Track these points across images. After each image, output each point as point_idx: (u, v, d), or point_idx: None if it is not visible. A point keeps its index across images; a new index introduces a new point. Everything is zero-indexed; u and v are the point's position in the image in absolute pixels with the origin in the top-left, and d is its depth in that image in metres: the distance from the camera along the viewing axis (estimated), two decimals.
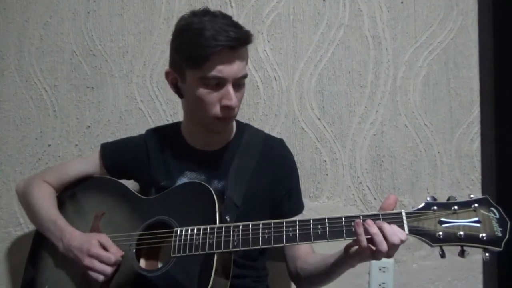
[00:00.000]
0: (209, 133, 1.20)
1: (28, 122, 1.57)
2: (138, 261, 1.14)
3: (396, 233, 0.93)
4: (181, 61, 1.12)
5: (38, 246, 1.27)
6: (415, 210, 0.96)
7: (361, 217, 0.97)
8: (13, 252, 1.55)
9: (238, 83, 1.13)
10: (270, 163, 1.26)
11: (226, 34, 1.06)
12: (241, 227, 1.04)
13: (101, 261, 1.08)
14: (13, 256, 1.55)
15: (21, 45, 1.58)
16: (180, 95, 1.19)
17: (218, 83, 1.10)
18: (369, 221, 0.95)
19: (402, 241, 0.94)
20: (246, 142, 1.27)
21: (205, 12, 1.12)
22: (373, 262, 1.46)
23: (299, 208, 1.31)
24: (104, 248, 1.11)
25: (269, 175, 1.25)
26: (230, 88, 1.10)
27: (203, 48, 1.06)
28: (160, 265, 1.15)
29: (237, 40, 1.08)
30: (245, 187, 1.20)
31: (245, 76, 1.14)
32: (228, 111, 1.13)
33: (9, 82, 1.58)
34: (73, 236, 1.14)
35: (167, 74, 1.20)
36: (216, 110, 1.12)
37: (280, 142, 1.34)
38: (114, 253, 1.09)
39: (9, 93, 1.58)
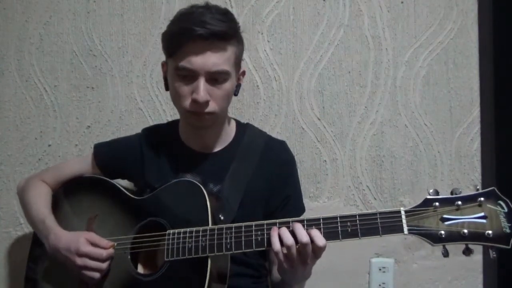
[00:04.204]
0: (197, 130, 1.17)
1: (28, 122, 1.57)
2: (136, 264, 1.13)
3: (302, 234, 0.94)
4: (163, 50, 1.15)
5: (38, 244, 1.26)
6: (414, 208, 0.91)
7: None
8: (14, 252, 1.55)
9: (215, 78, 1.08)
10: (269, 167, 1.22)
11: (202, 25, 1.03)
12: (233, 229, 1.01)
13: (93, 259, 1.07)
14: (13, 256, 1.55)
15: (21, 45, 1.58)
16: (166, 87, 1.18)
17: (191, 76, 1.08)
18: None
19: (306, 242, 0.94)
20: (246, 144, 1.23)
21: (203, 5, 1.11)
22: (373, 262, 1.47)
23: (298, 213, 1.26)
24: (94, 244, 1.09)
25: (266, 181, 1.21)
26: (201, 81, 1.07)
27: (176, 37, 1.07)
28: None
29: (211, 32, 1.04)
30: (243, 192, 1.17)
31: (222, 71, 1.08)
32: (197, 106, 1.08)
33: (9, 82, 1.58)
34: (57, 237, 1.12)
35: (162, 66, 1.20)
36: (187, 103, 1.10)
37: (281, 144, 1.30)
38: (105, 247, 1.09)
39: (9, 93, 1.58)
